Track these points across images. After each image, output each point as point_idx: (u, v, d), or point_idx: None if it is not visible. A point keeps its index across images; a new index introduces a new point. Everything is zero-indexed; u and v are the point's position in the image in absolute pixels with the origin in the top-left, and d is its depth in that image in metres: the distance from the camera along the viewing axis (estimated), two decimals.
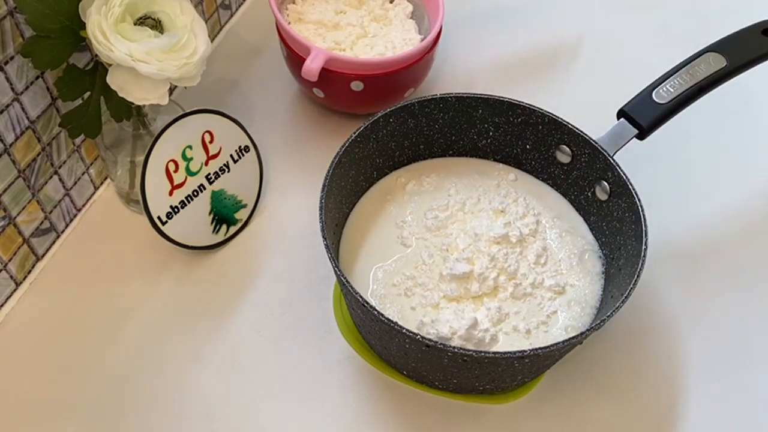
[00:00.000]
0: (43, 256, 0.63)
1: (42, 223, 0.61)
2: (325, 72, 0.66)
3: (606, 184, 0.60)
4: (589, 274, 0.60)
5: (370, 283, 0.59)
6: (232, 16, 0.86)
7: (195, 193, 0.62)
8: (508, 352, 0.49)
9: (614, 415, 0.57)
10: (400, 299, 0.58)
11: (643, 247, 0.53)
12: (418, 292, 0.58)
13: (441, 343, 0.48)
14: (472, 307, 0.57)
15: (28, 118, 0.56)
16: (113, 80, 0.52)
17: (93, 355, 0.58)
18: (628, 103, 0.61)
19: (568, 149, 0.63)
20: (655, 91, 0.61)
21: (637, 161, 0.63)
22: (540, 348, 0.48)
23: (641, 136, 0.61)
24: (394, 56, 0.68)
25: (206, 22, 0.75)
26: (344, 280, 0.51)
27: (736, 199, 0.72)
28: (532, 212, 0.63)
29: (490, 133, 0.66)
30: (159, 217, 0.60)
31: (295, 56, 0.69)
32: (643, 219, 0.55)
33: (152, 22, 0.53)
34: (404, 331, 0.48)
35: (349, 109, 0.75)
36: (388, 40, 0.73)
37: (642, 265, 0.52)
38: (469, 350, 0.49)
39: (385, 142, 0.64)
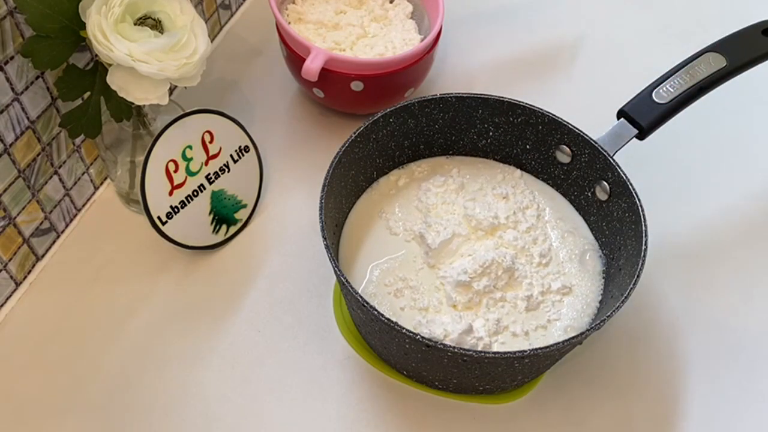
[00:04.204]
0: (43, 256, 0.63)
1: (42, 223, 0.61)
2: (325, 72, 0.66)
3: (606, 184, 0.60)
4: (589, 273, 0.60)
5: (366, 281, 0.59)
6: (232, 16, 0.86)
7: (195, 193, 0.62)
8: (508, 352, 0.49)
9: (614, 415, 0.57)
10: (389, 298, 0.58)
11: (643, 247, 0.53)
12: (407, 294, 0.58)
13: (441, 343, 0.48)
14: (470, 315, 0.57)
15: (28, 118, 0.56)
16: (113, 80, 0.52)
17: (93, 355, 0.58)
18: (628, 103, 0.61)
19: (568, 149, 0.63)
20: (655, 91, 0.61)
21: (637, 161, 0.63)
22: (540, 348, 0.48)
23: (641, 136, 0.61)
24: (394, 56, 0.68)
25: (206, 22, 0.75)
26: (344, 280, 0.51)
27: (736, 199, 0.72)
28: (536, 206, 0.63)
29: (490, 133, 0.66)
30: (159, 217, 0.60)
31: (295, 56, 0.69)
32: (643, 219, 0.55)
33: (152, 22, 0.53)
34: (404, 331, 0.48)
35: (349, 109, 0.75)
36: (388, 40, 0.73)
37: (642, 265, 0.52)
38: (469, 350, 0.49)
39: (385, 142, 0.64)
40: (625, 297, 0.51)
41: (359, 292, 0.52)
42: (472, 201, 0.63)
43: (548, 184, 0.66)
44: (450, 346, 0.48)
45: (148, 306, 0.61)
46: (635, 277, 0.52)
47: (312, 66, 0.65)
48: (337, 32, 0.73)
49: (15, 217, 0.58)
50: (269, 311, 0.62)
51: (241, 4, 0.87)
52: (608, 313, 0.50)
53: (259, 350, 0.59)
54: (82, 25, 0.51)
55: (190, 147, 0.61)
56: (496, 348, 0.55)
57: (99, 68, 0.55)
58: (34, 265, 0.62)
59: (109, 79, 0.53)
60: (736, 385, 0.59)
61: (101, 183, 0.69)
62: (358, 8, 0.77)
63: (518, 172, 0.67)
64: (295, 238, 0.66)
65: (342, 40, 0.73)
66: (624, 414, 0.57)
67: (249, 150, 0.66)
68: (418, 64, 0.70)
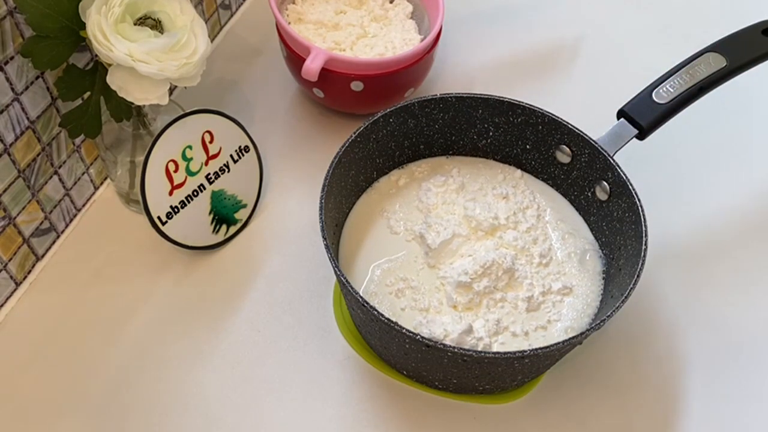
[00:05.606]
0: (43, 256, 0.63)
1: (42, 223, 0.61)
2: (325, 72, 0.66)
3: (606, 184, 0.60)
4: (589, 274, 0.60)
5: (366, 281, 0.59)
6: (232, 16, 0.86)
7: (195, 193, 0.62)
8: (508, 352, 0.49)
9: (614, 415, 0.57)
10: (390, 298, 0.58)
11: (643, 247, 0.53)
12: (408, 295, 0.58)
13: (441, 343, 0.48)
14: (470, 315, 0.57)
15: (28, 118, 0.56)
16: (113, 80, 0.52)
17: (93, 355, 0.58)
18: (628, 103, 0.61)
19: (568, 149, 0.63)
20: (655, 91, 0.61)
21: (637, 161, 0.63)
22: (540, 348, 0.48)
23: (641, 136, 0.61)
24: (394, 56, 0.68)
25: (206, 22, 0.75)
26: (344, 280, 0.51)
27: (736, 199, 0.72)
28: (536, 206, 0.63)
29: (490, 133, 0.66)
30: (159, 217, 0.60)
31: (295, 56, 0.69)
32: (643, 219, 0.55)
33: (152, 22, 0.53)
34: (404, 331, 0.48)
35: (349, 109, 0.75)
36: (388, 40, 0.73)
37: (642, 265, 0.52)
38: (469, 350, 0.49)
39: (385, 142, 0.64)
40: (625, 297, 0.51)
41: (360, 292, 0.52)
42: (473, 201, 0.63)
43: (548, 184, 0.66)
44: (450, 346, 0.48)
45: (148, 306, 0.61)
46: (635, 277, 0.52)
47: (312, 66, 0.65)
48: (337, 32, 0.73)
49: (15, 217, 0.58)
50: (269, 311, 0.62)
51: (241, 4, 0.87)
52: (608, 313, 0.50)
53: (259, 350, 0.59)
54: (82, 25, 0.51)
55: (190, 147, 0.61)
56: (495, 348, 0.55)
57: (99, 68, 0.55)
58: (34, 265, 0.62)
59: (109, 79, 0.53)
60: (736, 385, 0.59)
61: (101, 183, 0.69)
62: (358, 8, 0.77)
63: (518, 172, 0.67)
64: (295, 238, 0.66)
65: (342, 40, 0.73)
66: (624, 414, 0.57)
67: (249, 150, 0.66)
68: (418, 64, 0.70)
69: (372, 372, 0.58)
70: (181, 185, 0.61)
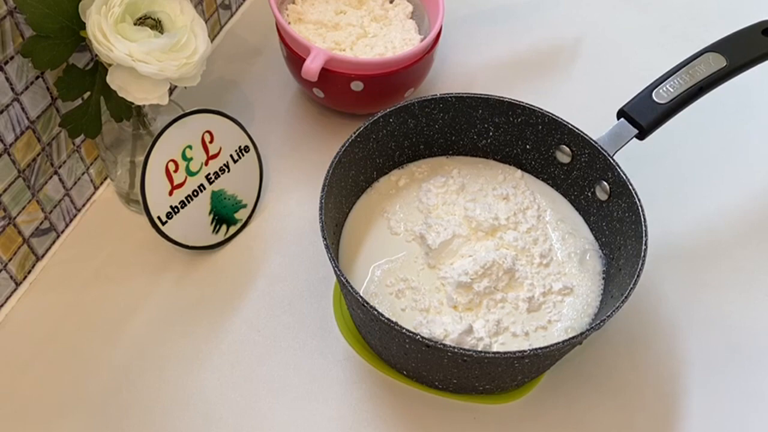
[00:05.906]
0: (43, 256, 0.63)
1: (42, 223, 0.61)
2: (325, 72, 0.66)
3: (606, 184, 0.60)
4: (589, 274, 0.60)
5: (366, 281, 0.59)
6: (232, 16, 0.86)
7: (195, 193, 0.62)
8: (508, 352, 0.49)
9: (614, 415, 0.57)
10: (390, 299, 0.58)
11: (643, 247, 0.53)
12: (408, 295, 0.58)
13: (441, 343, 0.48)
14: (470, 315, 0.57)
15: (28, 118, 0.56)
16: (113, 80, 0.52)
17: (93, 355, 0.58)
18: (628, 103, 0.61)
19: (568, 149, 0.63)
20: (655, 91, 0.61)
21: (637, 161, 0.63)
22: (540, 348, 0.48)
23: (641, 136, 0.61)
24: (394, 56, 0.68)
25: (206, 22, 0.75)
26: (344, 280, 0.51)
27: (736, 199, 0.72)
28: (536, 206, 0.63)
29: (490, 133, 0.66)
30: (159, 217, 0.60)
31: (295, 56, 0.69)
32: (643, 219, 0.55)
33: (152, 22, 0.53)
34: (404, 331, 0.48)
35: (349, 109, 0.75)
36: (388, 40, 0.73)
37: (642, 265, 0.52)
38: (469, 350, 0.49)
39: (385, 142, 0.64)
40: (625, 297, 0.51)
41: (360, 292, 0.52)
42: (473, 202, 0.63)
43: (548, 184, 0.66)
44: (450, 346, 0.48)
45: (148, 306, 0.61)
46: (635, 277, 0.52)
47: (312, 66, 0.65)
48: (337, 32, 0.73)
49: (15, 217, 0.58)
50: (269, 311, 0.62)
51: (241, 4, 0.87)
52: (608, 313, 0.50)
53: (259, 350, 0.59)
54: (82, 25, 0.51)
55: (190, 147, 0.61)
56: (496, 348, 0.55)
57: (99, 68, 0.55)
58: (34, 265, 0.62)
59: (109, 79, 0.53)
60: (736, 385, 0.59)
61: (101, 183, 0.69)
62: (358, 8, 0.77)
63: (519, 172, 0.67)
64: (295, 238, 0.66)
65: (342, 40, 0.73)
66: (624, 414, 0.57)
67: (249, 150, 0.66)
68: (418, 64, 0.70)
69: (372, 372, 0.58)
70: (181, 185, 0.61)
